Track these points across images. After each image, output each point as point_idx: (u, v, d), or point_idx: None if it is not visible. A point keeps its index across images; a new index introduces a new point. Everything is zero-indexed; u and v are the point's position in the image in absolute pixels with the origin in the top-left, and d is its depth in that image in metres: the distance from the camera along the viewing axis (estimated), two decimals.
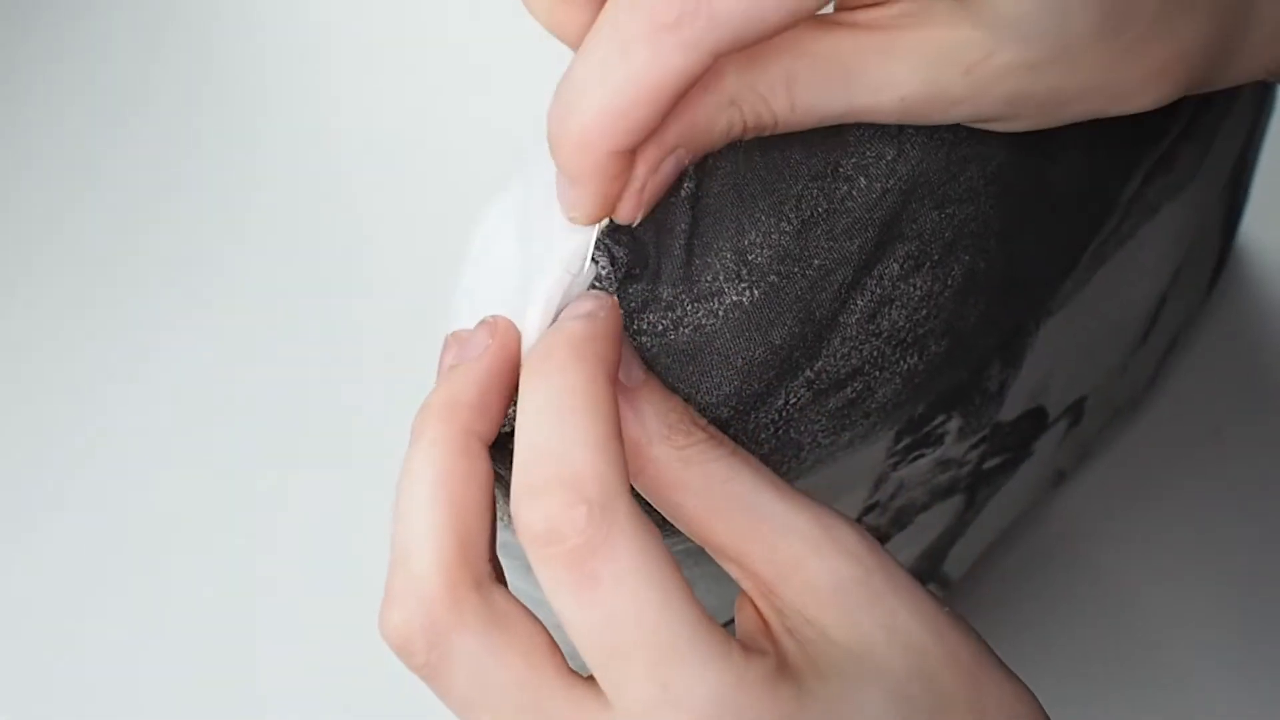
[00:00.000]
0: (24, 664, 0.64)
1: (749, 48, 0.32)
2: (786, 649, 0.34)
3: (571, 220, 0.34)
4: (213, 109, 0.76)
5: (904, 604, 0.34)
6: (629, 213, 0.34)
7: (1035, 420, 0.50)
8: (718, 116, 0.34)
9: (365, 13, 0.78)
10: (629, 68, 0.31)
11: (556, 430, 0.32)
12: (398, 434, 0.56)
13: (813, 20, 0.34)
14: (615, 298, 0.35)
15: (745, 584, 0.35)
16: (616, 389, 0.34)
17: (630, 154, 0.33)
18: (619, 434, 0.32)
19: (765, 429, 0.37)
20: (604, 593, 0.31)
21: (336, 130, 0.75)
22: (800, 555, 0.34)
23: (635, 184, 0.34)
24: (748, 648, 0.33)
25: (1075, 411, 0.54)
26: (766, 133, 0.35)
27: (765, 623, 0.34)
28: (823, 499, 0.36)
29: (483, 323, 0.35)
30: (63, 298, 0.72)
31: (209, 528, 0.66)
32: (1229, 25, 0.34)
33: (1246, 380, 0.65)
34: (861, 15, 0.34)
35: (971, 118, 0.35)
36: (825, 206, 0.36)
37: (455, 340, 0.36)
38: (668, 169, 0.34)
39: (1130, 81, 0.34)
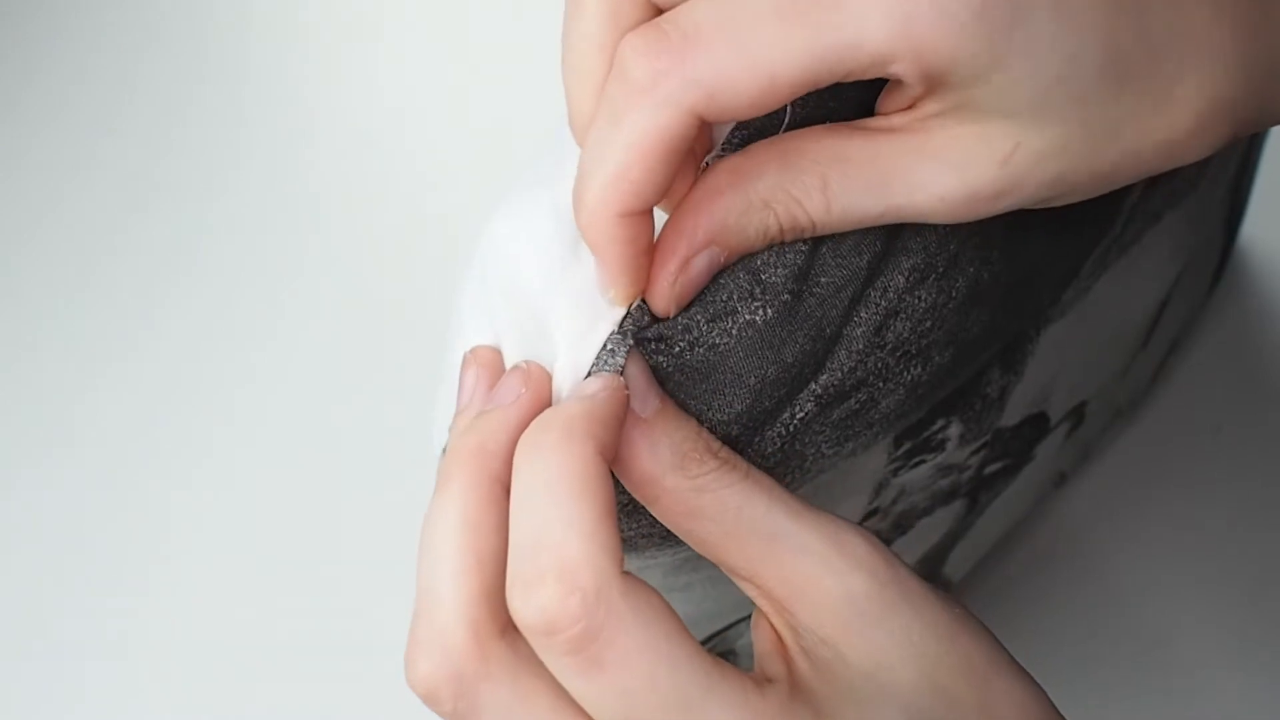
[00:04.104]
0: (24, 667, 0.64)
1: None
2: (801, 670, 0.34)
3: (610, 301, 0.35)
4: (208, 109, 0.76)
5: (917, 614, 0.34)
6: (662, 304, 0.35)
7: (1037, 426, 0.50)
8: (750, 217, 0.35)
9: (362, 10, 0.78)
10: (619, 133, 0.33)
11: (547, 516, 0.32)
12: (402, 442, 0.56)
13: (845, 127, 0.35)
14: (621, 379, 0.35)
15: (761, 603, 0.35)
16: (630, 420, 0.35)
17: (645, 220, 0.34)
18: (612, 513, 0.33)
19: (772, 442, 0.37)
20: (611, 673, 0.32)
21: (332, 129, 0.75)
22: (814, 574, 0.34)
23: (667, 276, 0.35)
24: (759, 680, 0.34)
25: (1077, 415, 0.54)
26: (804, 236, 0.35)
27: (781, 642, 0.35)
28: (823, 506, 0.36)
29: (516, 368, 0.36)
30: (56, 298, 0.72)
31: (215, 551, 0.66)
32: (1263, 68, 0.35)
33: (1247, 379, 0.65)
34: (895, 119, 0.35)
35: (1021, 205, 0.35)
36: None
37: (475, 359, 0.36)
38: (700, 265, 0.35)
39: (1172, 137, 0.35)
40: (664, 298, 0.35)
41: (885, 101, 0.35)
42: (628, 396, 0.35)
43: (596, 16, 0.34)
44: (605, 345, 0.35)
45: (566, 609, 0.32)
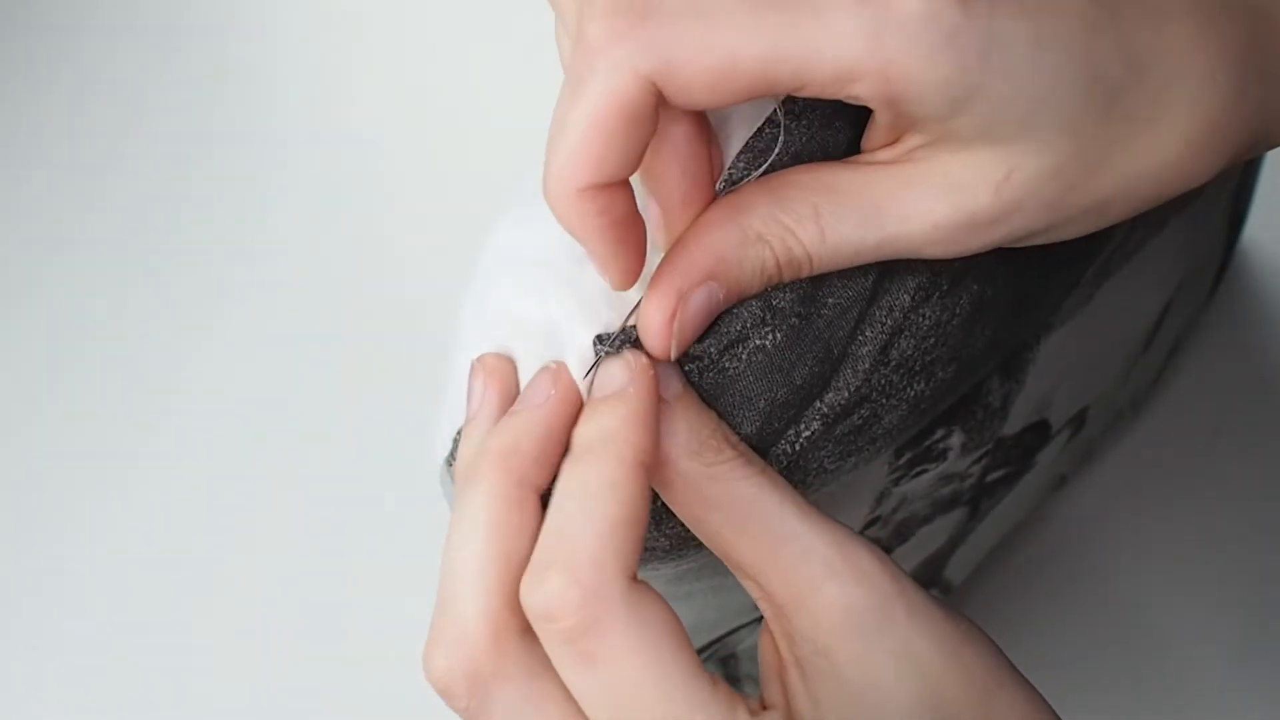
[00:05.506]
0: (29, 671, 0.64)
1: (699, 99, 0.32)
2: (795, 689, 0.35)
3: (611, 285, 0.35)
4: (211, 119, 0.76)
5: (919, 629, 0.34)
6: (660, 343, 0.34)
7: (1039, 433, 0.50)
8: (745, 251, 0.34)
9: (373, 18, 0.78)
10: (575, 106, 0.32)
11: (571, 514, 0.33)
12: (407, 450, 0.56)
13: (832, 162, 0.35)
14: (645, 359, 0.35)
15: (763, 606, 0.35)
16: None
17: (615, 192, 0.33)
18: (636, 521, 0.33)
19: (777, 460, 0.37)
20: (600, 669, 0.32)
21: (347, 134, 0.75)
22: (817, 579, 0.34)
23: (664, 310, 0.34)
24: (754, 709, 0.34)
25: (1078, 421, 0.54)
26: (803, 273, 0.35)
27: (779, 655, 0.35)
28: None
29: (545, 369, 0.36)
30: (69, 302, 0.71)
31: (234, 556, 0.66)
32: (1256, 91, 0.34)
33: (1247, 381, 0.65)
34: (881, 154, 0.35)
35: (1021, 235, 0.35)
36: None
37: (483, 366, 0.36)
38: (699, 301, 0.34)
39: (1164, 161, 0.34)
40: (661, 336, 0.34)
41: (868, 139, 0.35)
42: (655, 379, 0.35)
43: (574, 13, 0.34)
44: (599, 343, 0.35)
45: (566, 599, 0.32)
